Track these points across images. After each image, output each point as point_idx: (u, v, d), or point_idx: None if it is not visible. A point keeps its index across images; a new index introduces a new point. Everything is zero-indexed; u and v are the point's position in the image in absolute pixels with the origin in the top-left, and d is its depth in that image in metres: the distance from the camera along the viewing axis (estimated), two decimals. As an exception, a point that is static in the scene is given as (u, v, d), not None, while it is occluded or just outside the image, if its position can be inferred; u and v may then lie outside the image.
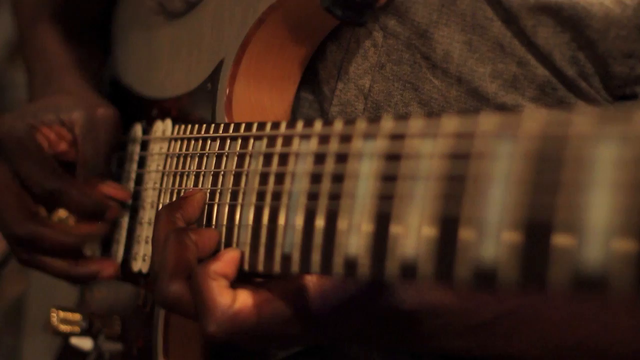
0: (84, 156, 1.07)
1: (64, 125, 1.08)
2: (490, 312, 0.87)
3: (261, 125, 0.89)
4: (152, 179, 1.05)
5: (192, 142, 0.99)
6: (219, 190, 0.92)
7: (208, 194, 0.93)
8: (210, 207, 0.92)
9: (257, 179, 0.87)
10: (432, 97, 0.96)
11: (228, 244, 0.89)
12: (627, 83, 0.91)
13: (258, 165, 0.87)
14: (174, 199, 0.99)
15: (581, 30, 0.90)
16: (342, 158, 0.77)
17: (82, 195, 1.05)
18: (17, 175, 1.07)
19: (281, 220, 0.82)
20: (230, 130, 0.93)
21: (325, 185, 0.78)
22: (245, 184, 0.88)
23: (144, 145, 1.09)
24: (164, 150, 1.04)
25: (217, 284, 0.84)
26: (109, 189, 1.07)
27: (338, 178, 0.77)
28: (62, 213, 1.14)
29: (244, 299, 0.84)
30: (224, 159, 0.93)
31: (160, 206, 1.02)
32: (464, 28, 0.93)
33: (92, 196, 1.06)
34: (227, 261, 0.85)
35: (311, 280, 0.85)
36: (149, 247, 1.03)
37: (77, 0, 1.27)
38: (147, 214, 1.04)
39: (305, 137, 0.82)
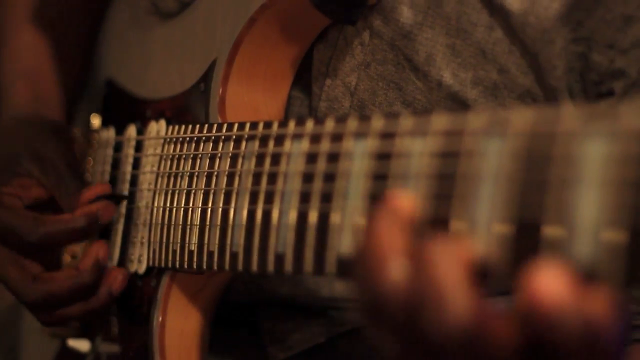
0: (54, 189, 1.06)
1: (23, 175, 1.07)
2: None
3: (254, 125, 0.88)
4: (146, 180, 1.05)
5: (186, 143, 0.98)
6: (212, 191, 0.92)
7: (202, 195, 0.93)
8: (204, 208, 0.92)
9: (250, 179, 0.87)
10: (415, 98, 0.96)
11: (222, 245, 0.89)
12: (604, 79, 0.91)
13: (251, 165, 0.87)
14: (169, 199, 0.99)
15: (573, 8, 0.90)
16: (333, 157, 0.77)
17: (69, 222, 1.02)
18: (4, 244, 1.04)
19: (274, 220, 0.82)
20: (224, 130, 0.92)
21: (317, 185, 0.78)
22: (239, 185, 0.88)
23: (139, 146, 1.09)
24: (158, 151, 1.03)
25: None
26: (89, 193, 1.05)
27: (330, 177, 0.77)
28: (66, 258, 1.14)
29: None
30: (217, 159, 0.93)
31: (155, 208, 1.01)
32: (449, 31, 0.93)
33: (78, 217, 1.02)
34: None
35: None
36: (145, 249, 1.03)
37: (58, 8, 1.27)
38: (142, 216, 1.04)
39: (297, 137, 0.82)
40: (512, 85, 0.93)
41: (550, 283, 0.54)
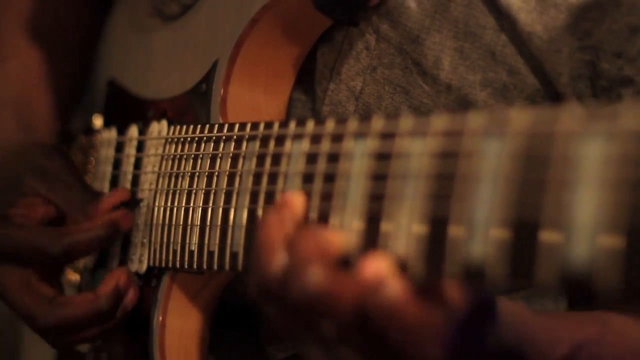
0: (64, 203, 1.04)
1: (28, 195, 1.05)
2: None
3: (254, 126, 0.89)
4: (147, 180, 1.05)
5: (187, 143, 0.99)
6: (213, 191, 0.92)
7: (203, 195, 0.93)
8: (205, 208, 0.93)
9: (250, 180, 0.87)
10: (422, 102, 0.96)
11: (222, 245, 0.90)
12: (613, 85, 0.91)
13: (251, 165, 0.87)
14: (169, 199, 0.99)
15: (580, 18, 0.90)
16: (333, 158, 0.77)
17: (90, 231, 1.00)
18: (20, 264, 1.02)
19: (274, 220, 0.82)
20: (225, 130, 0.93)
21: (317, 185, 0.78)
22: (239, 185, 0.88)
23: (140, 147, 1.09)
24: (160, 151, 1.04)
25: None
26: (108, 201, 1.03)
27: (330, 178, 0.77)
28: (70, 275, 1.13)
29: None
30: (218, 160, 0.93)
31: (156, 208, 1.02)
32: (457, 35, 0.93)
33: (98, 225, 1.00)
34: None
35: None
36: (145, 249, 1.03)
37: (52, 13, 1.26)
38: (143, 216, 1.04)
39: (297, 137, 0.82)
40: (522, 85, 0.94)
41: (375, 265, 0.68)
